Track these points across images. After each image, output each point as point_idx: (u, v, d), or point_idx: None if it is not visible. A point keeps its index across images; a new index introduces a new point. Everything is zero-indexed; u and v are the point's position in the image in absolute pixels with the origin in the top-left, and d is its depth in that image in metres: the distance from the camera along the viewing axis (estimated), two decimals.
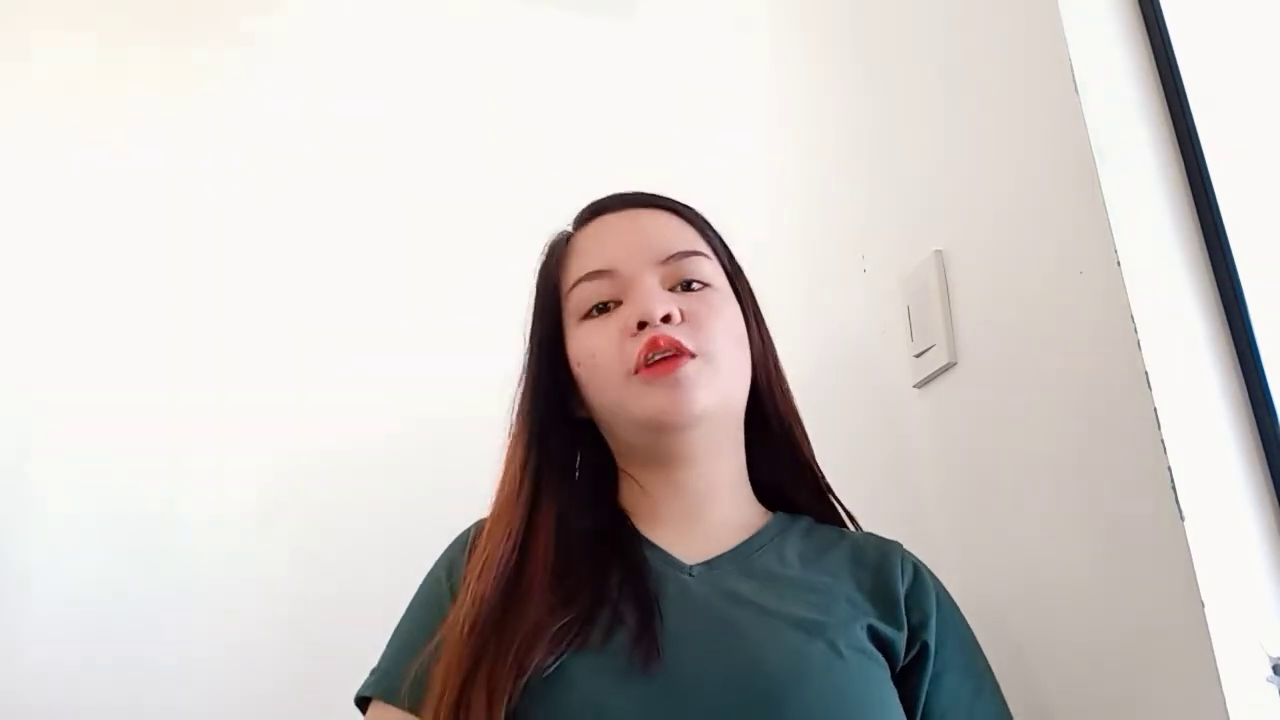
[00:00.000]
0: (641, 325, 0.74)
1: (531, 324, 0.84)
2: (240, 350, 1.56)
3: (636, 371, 0.74)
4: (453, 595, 0.73)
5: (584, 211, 0.87)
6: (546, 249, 0.86)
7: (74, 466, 1.43)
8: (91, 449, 1.45)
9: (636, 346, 0.74)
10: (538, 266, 0.86)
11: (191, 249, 1.59)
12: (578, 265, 0.81)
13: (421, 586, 0.78)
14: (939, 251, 1.03)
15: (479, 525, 0.79)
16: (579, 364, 0.78)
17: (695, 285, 0.78)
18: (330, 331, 1.60)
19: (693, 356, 0.74)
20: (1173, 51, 0.82)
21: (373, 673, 0.74)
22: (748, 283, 0.86)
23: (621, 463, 0.81)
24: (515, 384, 0.83)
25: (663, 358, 0.73)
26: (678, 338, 0.74)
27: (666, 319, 0.74)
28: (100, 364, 1.49)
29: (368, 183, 1.70)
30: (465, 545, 0.78)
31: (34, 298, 1.50)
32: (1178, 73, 0.81)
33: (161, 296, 1.56)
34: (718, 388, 0.75)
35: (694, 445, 0.77)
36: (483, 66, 1.83)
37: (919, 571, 0.78)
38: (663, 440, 0.76)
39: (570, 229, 0.87)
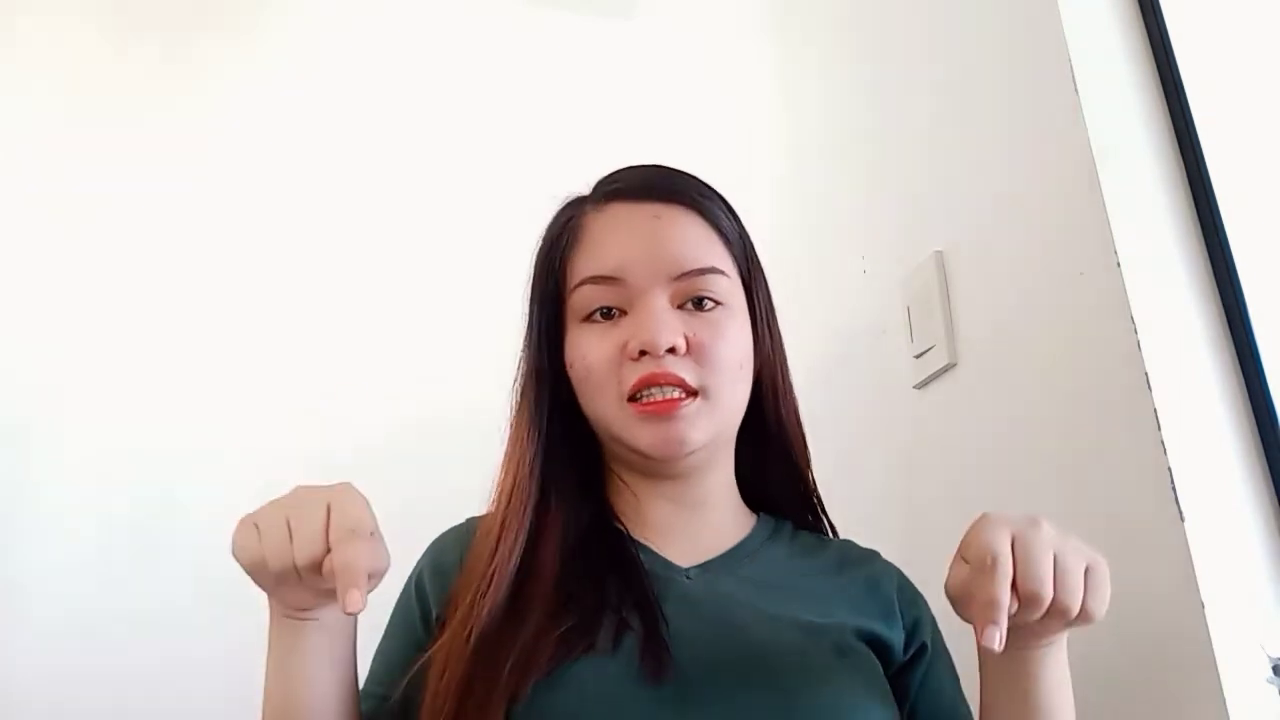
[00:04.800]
0: (644, 353, 0.71)
1: (530, 306, 0.79)
2: (239, 348, 1.56)
3: (631, 399, 0.72)
4: (427, 605, 0.73)
5: (601, 187, 0.80)
6: (554, 225, 0.80)
7: (73, 467, 1.44)
8: (91, 449, 1.45)
9: (634, 375, 0.71)
10: (542, 238, 0.80)
11: (191, 251, 1.59)
12: (585, 262, 0.75)
13: (397, 602, 0.77)
14: (939, 251, 1.03)
15: (456, 531, 0.78)
16: (572, 366, 0.76)
17: (707, 303, 0.74)
18: (329, 329, 1.60)
19: (692, 396, 0.71)
20: (1173, 51, 0.82)
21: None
22: (763, 280, 0.81)
23: (611, 464, 0.79)
24: (515, 369, 0.79)
25: (661, 395, 0.71)
26: (679, 373, 0.71)
27: (671, 350, 0.71)
28: (99, 364, 1.49)
29: (367, 184, 1.70)
30: (439, 553, 0.77)
31: (33, 299, 1.50)
32: (1178, 73, 0.81)
33: (159, 296, 1.56)
34: (712, 424, 0.73)
35: (686, 465, 0.76)
36: (483, 68, 1.84)
37: (902, 575, 0.80)
38: (654, 462, 0.75)
39: (583, 198, 0.80)
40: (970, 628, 0.71)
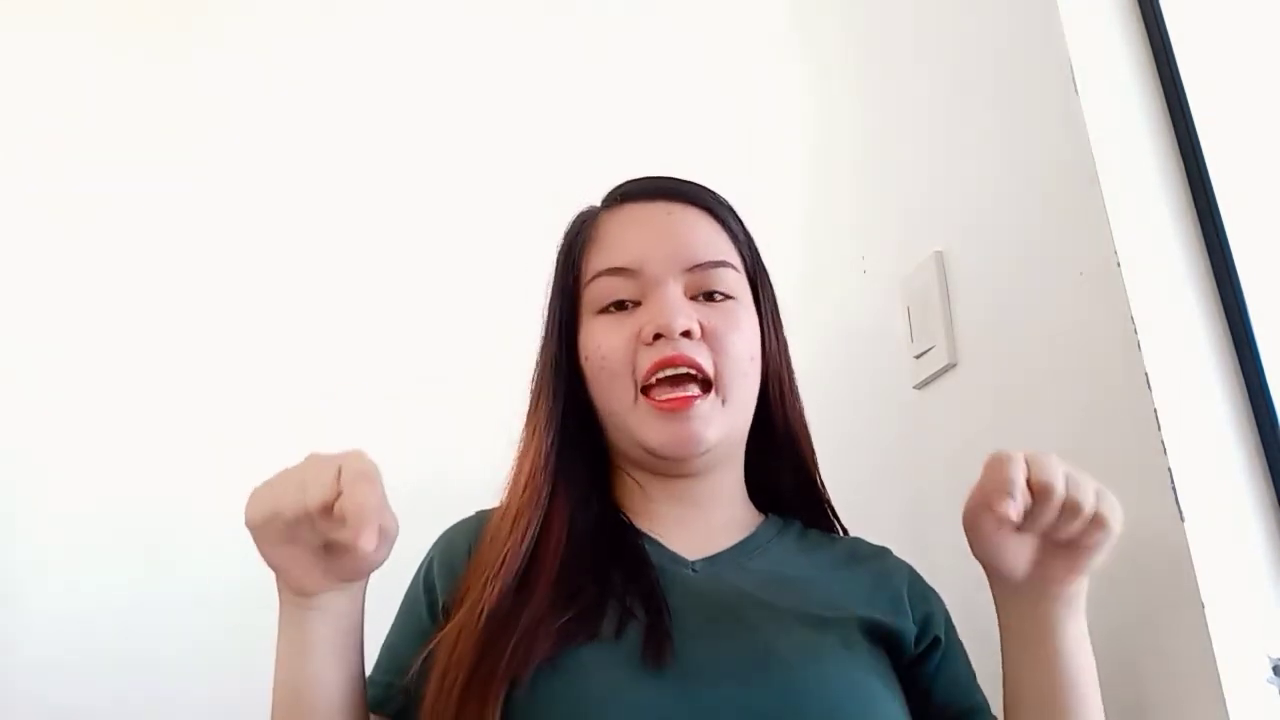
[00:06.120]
0: (658, 337, 0.73)
1: (549, 305, 0.82)
2: (240, 347, 1.56)
3: (646, 391, 0.73)
4: (434, 595, 0.74)
5: (614, 192, 0.83)
6: (571, 228, 0.83)
7: (80, 461, 1.44)
8: (97, 444, 1.45)
9: (648, 359, 0.72)
10: (560, 242, 0.83)
11: (192, 251, 1.60)
12: (600, 255, 0.78)
13: (404, 596, 0.78)
14: (939, 252, 1.03)
15: (465, 524, 0.79)
16: (587, 358, 0.77)
17: (718, 296, 0.76)
18: (330, 329, 1.60)
19: (704, 391, 0.72)
20: (1173, 51, 0.82)
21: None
22: (769, 283, 0.83)
23: (619, 460, 0.80)
24: (532, 366, 0.81)
25: (676, 394, 0.72)
26: (694, 356, 0.72)
27: (686, 334, 0.72)
28: (99, 363, 1.50)
29: (368, 184, 1.70)
30: (448, 544, 0.78)
31: (33, 299, 1.50)
32: (1178, 73, 0.81)
33: (160, 296, 1.56)
34: (725, 423, 0.74)
35: (696, 465, 0.77)
36: (484, 70, 1.84)
37: (913, 571, 0.80)
38: (664, 462, 0.76)
39: (598, 206, 0.84)
40: (978, 631, 0.71)
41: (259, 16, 1.77)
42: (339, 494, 0.56)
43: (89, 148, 1.60)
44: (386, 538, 0.59)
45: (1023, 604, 0.66)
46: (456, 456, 1.41)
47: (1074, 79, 0.82)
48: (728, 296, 0.76)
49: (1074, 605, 0.65)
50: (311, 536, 0.58)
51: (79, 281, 1.53)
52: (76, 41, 1.65)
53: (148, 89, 1.67)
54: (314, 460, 0.59)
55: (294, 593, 0.62)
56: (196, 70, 1.71)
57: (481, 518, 0.78)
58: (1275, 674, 0.67)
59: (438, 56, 1.82)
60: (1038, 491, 0.58)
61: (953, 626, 0.78)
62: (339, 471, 0.57)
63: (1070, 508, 0.59)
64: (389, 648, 0.75)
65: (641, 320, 0.74)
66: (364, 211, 1.69)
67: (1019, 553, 0.64)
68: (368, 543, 0.54)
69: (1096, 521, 0.60)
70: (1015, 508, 0.57)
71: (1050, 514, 0.59)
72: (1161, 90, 0.82)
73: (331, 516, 0.56)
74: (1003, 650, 0.69)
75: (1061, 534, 0.61)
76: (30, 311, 1.50)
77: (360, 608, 0.67)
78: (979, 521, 0.63)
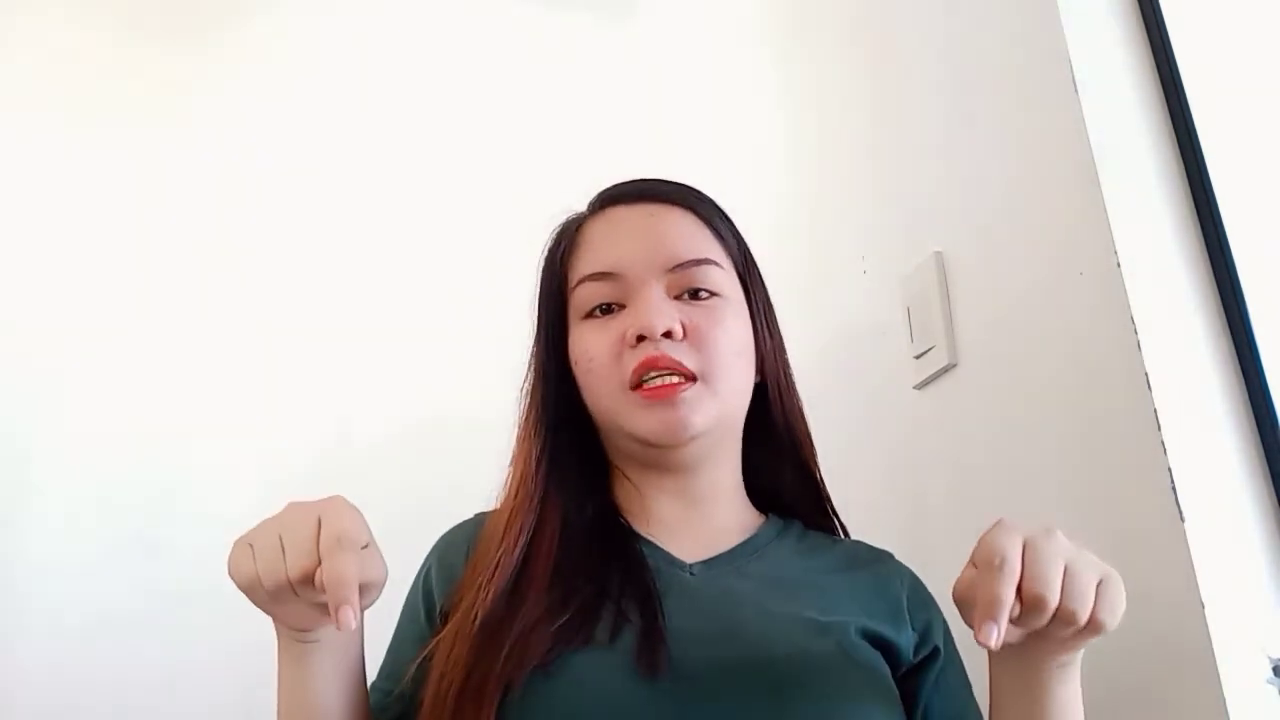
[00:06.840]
0: (641, 339, 0.73)
1: (537, 312, 0.82)
2: (245, 348, 1.56)
3: (633, 388, 0.73)
4: (432, 599, 0.74)
5: (597, 198, 0.84)
6: (555, 234, 0.84)
7: (75, 460, 1.44)
8: (92, 442, 1.45)
9: (633, 361, 0.73)
10: (545, 251, 0.84)
11: (194, 252, 1.60)
12: (584, 261, 0.79)
13: (406, 598, 0.78)
14: (939, 252, 1.03)
15: (464, 527, 0.79)
16: (576, 363, 0.78)
17: (703, 294, 0.76)
18: (334, 331, 1.60)
19: (692, 380, 0.73)
20: (1173, 51, 0.82)
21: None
22: (761, 281, 0.83)
23: (616, 461, 0.81)
24: (524, 371, 0.82)
25: (661, 381, 0.72)
26: (677, 357, 0.72)
27: (668, 335, 0.73)
28: (104, 356, 1.50)
29: (370, 186, 1.70)
30: (447, 548, 0.78)
31: (36, 298, 1.50)
32: (1178, 73, 0.81)
33: (164, 297, 1.56)
34: (714, 409, 0.74)
35: (690, 456, 0.77)
36: (484, 68, 1.84)
37: (915, 577, 0.79)
38: (657, 452, 0.76)
39: (583, 212, 0.84)
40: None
41: (260, 19, 1.77)
42: (319, 562, 0.54)
43: (89, 148, 1.60)
44: (372, 589, 0.58)
45: (1013, 666, 0.63)
46: (456, 458, 1.41)
47: (1074, 79, 0.82)
48: (713, 294, 0.76)
49: (1068, 669, 0.62)
50: (296, 599, 0.57)
51: (82, 281, 1.53)
52: (77, 40, 1.65)
53: (149, 90, 1.67)
54: (292, 516, 0.57)
55: (290, 629, 0.62)
56: (198, 74, 1.71)
57: (480, 520, 0.78)
58: (1275, 674, 0.67)
59: (438, 58, 1.82)
60: (1028, 604, 0.54)
61: (951, 638, 0.77)
62: (318, 528, 0.55)
63: (1064, 618, 0.54)
64: (391, 653, 0.75)
65: (625, 323, 0.74)
66: (365, 215, 1.69)
67: (1009, 632, 0.58)
68: (347, 624, 0.52)
69: (1092, 626, 0.55)
70: (996, 636, 0.52)
71: (1040, 623, 0.55)
72: (1161, 90, 0.83)
73: (313, 584, 0.55)
74: (990, 696, 0.67)
75: (1054, 636, 0.57)
76: (31, 310, 1.50)
77: (360, 635, 0.66)
78: (967, 603, 0.58)
